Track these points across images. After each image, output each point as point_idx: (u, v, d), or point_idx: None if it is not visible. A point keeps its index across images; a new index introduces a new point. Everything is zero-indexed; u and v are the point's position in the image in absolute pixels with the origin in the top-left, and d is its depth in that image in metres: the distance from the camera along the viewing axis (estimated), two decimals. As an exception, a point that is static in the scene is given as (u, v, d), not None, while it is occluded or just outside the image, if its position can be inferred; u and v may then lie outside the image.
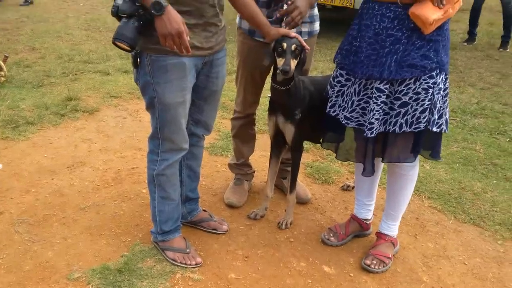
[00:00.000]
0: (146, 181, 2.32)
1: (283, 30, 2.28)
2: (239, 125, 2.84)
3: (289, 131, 2.43)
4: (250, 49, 2.58)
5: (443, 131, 2.14)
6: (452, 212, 2.87)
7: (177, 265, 2.29)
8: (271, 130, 2.53)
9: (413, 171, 2.31)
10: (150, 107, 2.10)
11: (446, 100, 2.13)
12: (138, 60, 2.01)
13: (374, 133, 2.11)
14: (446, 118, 2.15)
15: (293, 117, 2.39)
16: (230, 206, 2.82)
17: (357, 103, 2.17)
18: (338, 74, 2.27)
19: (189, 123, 2.30)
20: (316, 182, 3.15)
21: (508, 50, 6.60)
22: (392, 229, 2.46)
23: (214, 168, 3.25)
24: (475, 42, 6.85)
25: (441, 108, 2.10)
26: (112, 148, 3.44)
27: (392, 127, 2.09)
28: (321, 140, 2.49)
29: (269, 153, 2.69)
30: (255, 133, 2.94)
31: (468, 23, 6.86)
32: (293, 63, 2.21)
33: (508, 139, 3.85)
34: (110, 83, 4.66)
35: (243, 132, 2.86)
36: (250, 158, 2.99)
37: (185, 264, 2.30)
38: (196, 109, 2.30)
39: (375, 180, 2.53)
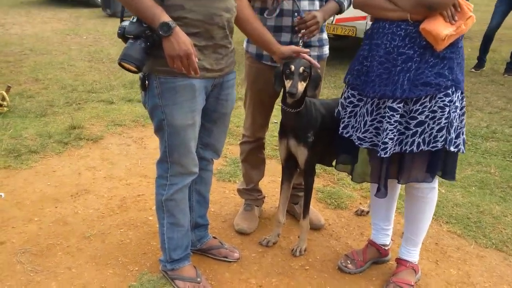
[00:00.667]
0: (154, 207, 2.22)
1: (294, 47, 2.23)
2: (248, 149, 2.75)
3: (301, 154, 2.34)
4: (258, 73, 2.52)
5: (460, 152, 2.05)
6: (472, 237, 2.75)
7: (188, 296, 2.16)
8: (283, 153, 2.44)
9: (432, 193, 2.21)
10: (158, 130, 2.03)
11: (463, 119, 2.05)
12: (147, 82, 1.94)
13: (388, 153, 2.02)
14: (463, 138, 2.07)
15: (305, 140, 2.31)
16: (241, 233, 2.70)
17: (370, 123, 2.10)
18: (350, 95, 2.20)
19: (198, 146, 2.22)
20: (328, 207, 3.04)
21: (513, 75, 6.60)
22: (413, 255, 2.34)
23: (223, 194, 3.15)
24: (483, 69, 6.84)
25: (458, 127, 2.02)
26: (117, 176, 3.34)
27: (409, 147, 2.01)
28: (334, 163, 2.40)
29: (280, 178, 2.59)
30: (264, 158, 2.85)
31: (479, 49, 6.87)
32: (301, 85, 2.15)
33: (522, 162, 3.77)
34: (114, 111, 4.60)
35: (253, 157, 2.78)
36: (259, 183, 2.89)
37: (196, 294, 2.17)
38: (205, 132, 2.22)
39: (393, 203, 2.43)
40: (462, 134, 2.05)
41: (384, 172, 2.12)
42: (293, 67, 2.13)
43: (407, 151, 2.01)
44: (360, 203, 3.10)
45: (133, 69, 1.77)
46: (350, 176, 2.35)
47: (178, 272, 2.23)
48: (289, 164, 2.48)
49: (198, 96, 1.97)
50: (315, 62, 2.23)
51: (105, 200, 2.99)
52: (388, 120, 1.99)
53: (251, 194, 2.84)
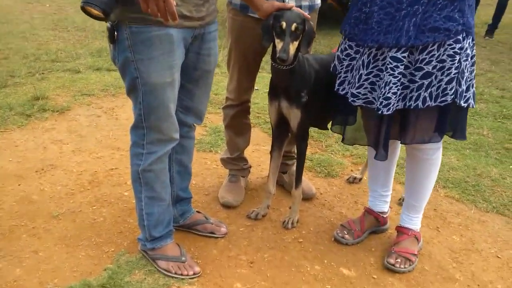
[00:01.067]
0: (130, 180, 1.96)
1: (277, 2, 1.97)
2: (232, 114, 2.50)
3: (294, 116, 2.11)
4: (242, 27, 2.25)
5: (470, 106, 1.85)
6: (472, 201, 2.60)
7: (172, 277, 1.94)
8: (273, 117, 2.20)
9: (437, 154, 2.02)
10: (132, 90, 1.75)
11: (473, 70, 1.84)
12: (116, 33, 1.66)
13: (391, 109, 1.80)
14: (474, 91, 1.86)
15: (299, 100, 2.07)
16: (226, 206, 2.48)
17: (365, 77, 1.87)
18: (347, 47, 1.96)
19: (178, 110, 1.95)
20: (318, 175, 2.83)
21: (493, 38, 6.48)
22: (415, 222, 2.16)
23: (204, 166, 2.91)
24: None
25: (468, 79, 1.81)
26: (87, 149, 3.05)
27: (414, 102, 1.79)
28: (330, 124, 2.18)
29: (264, 147, 2.37)
30: (250, 123, 2.61)
31: (492, 17, 6.79)
32: (293, 46, 1.90)
33: (515, 123, 3.64)
34: (81, 81, 4.25)
35: (237, 122, 2.53)
36: (244, 152, 2.66)
37: (181, 274, 1.95)
38: (186, 94, 1.96)
39: (392, 167, 2.24)
40: (472, 86, 1.84)
41: (384, 133, 1.91)
42: (284, 24, 1.87)
43: (412, 107, 1.80)
44: (352, 170, 2.91)
45: (98, 14, 1.47)
46: (342, 138, 2.14)
47: (159, 251, 2.00)
48: (280, 128, 2.25)
49: (176, 49, 1.70)
50: (306, 14, 1.98)
51: (74, 176, 2.71)
52: (391, 72, 1.77)
53: (236, 163, 2.61)
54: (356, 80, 1.89)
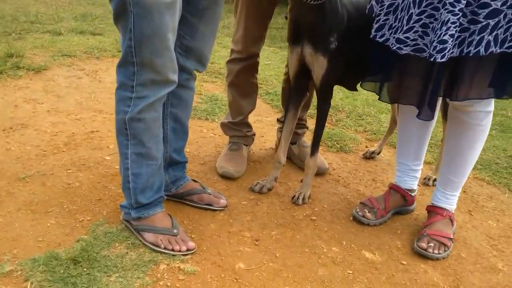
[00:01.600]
0: (112, 145, 1.58)
1: None
2: (238, 69, 2.13)
3: (319, 66, 1.75)
4: None
5: None
6: (505, 185, 2.28)
7: (161, 252, 1.57)
8: (293, 66, 1.84)
9: (487, 119, 1.68)
10: (120, 14, 1.37)
11: None
12: None
13: (446, 56, 1.46)
14: None
15: (327, 46, 1.72)
16: (226, 177, 2.11)
17: (417, 17, 1.52)
18: None
19: (177, 52, 1.59)
20: (329, 150, 2.49)
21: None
22: (452, 201, 1.83)
23: (200, 134, 2.54)
24: None
25: None
26: (64, 110, 2.65)
27: (474, 48, 1.44)
28: (361, 80, 1.82)
29: (267, 118, 2.01)
30: (257, 83, 2.25)
31: None
32: None
33: (539, 107, 3.35)
34: (62, 42, 3.84)
35: (243, 80, 2.16)
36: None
37: (172, 250, 1.58)
38: (188, 30, 1.59)
39: (427, 135, 1.90)
40: None
41: (433, 87, 1.56)
42: None
43: (471, 54, 1.46)
44: (366, 146, 2.57)
45: None
46: (378, 96, 1.79)
47: (146, 222, 1.63)
48: (299, 82, 1.89)
49: None
50: None
51: (48, 136, 2.32)
52: (451, 8, 1.42)
53: (239, 129, 2.24)
54: (405, 22, 1.54)
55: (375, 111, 3.00)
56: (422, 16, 1.51)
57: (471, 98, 1.56)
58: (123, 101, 1.50)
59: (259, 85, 3.23)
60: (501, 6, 1.40)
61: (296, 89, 1.92)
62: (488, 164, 2.43)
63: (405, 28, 1.54)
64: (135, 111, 1.48)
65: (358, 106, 3.04)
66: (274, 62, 3.95)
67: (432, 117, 1.65)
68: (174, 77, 1.49)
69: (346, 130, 2.73)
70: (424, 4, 1.50)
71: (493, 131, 2.85)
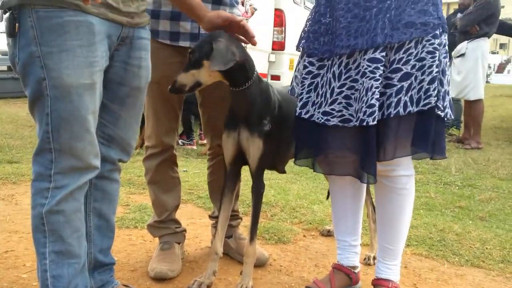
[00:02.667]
0: (28, 263, 1.44)
1: (224, 13, 1.75)
2: (156, 165, 2.08)
3: (255, 148, 1.77)
4: (153, 55, 1.87)
5: (448, 116, 1.64)
6: (442, 257, 2.29)
7: None
8: (229, 151, 1.84)
9: (411, 183, 1.74)
10: (36, 98, 1.34)
11: (448, 75, 1.67)
12: (16, 23, 1.30)
13: (376, 119, 1.54)
14: (450, 100, 1.67)
15: (261, 129, 1.76)
16: (159, 279, 1.94)
17: (338, 90, 1.62)
18: (307, 64, 1.72)
19: (98, 141, 1.53)
20: (268, 243, 2.41)
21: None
22: (394, 271, 1.79)
23: (128, 242, 2.37)
24: None
25: (447, 82, 1.63)
26: (-25, 234, 2.41)
27: (394, 109, 1.54)
28: (294, 158, 1.84)
29: (200, 220, 1.96)
30: (178, 177, 2.19)
31: None
32: (186, 77, 1.69)
33: (457, 187, 3.54)
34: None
35: (162, 175, 2.11)
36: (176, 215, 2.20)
37: None
38: (109, 118, 1.56)
39: (360, 208, 1.91)
40: (448, 94, 1.65)
41: (372, 148, 1.59)
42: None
43: (392, 115, 1.55)
44: (304, 236, 2.52)
45: None
46: (313, 168, 1.80)
47: (69, 334, 1.42)
48: (234, 167, 1.88)
49: (98, 43, 1.35)
50: (251, 31, 1.76)
51: (-46, 260, 2.06)
52: (371, 75, 1.53)
53: (167, 226, 2.12)
54: (328, 96, 1.63)
55: (308, 203, 3.01)
56: (343, 89, 1.61)
57: (398, 156, 1.62)
58: (39, 194, 1.39)
59: (190, 191, 3.20)
60: (411, 70, 1.54)
61: (232, 174, 1.90)
62: (422, 240, 2.46)
63: (329, 101, 1.63)
64: (53, 202, 1.37)
65: (291, 200, 3.06)
66: (203, 171, 3.95)
67: (376, 180, 1.66)
68: (96, 162, 1.42)
69: (282, 222, 2.69)
70: (343, 77, 1.61)
71: (421, 211, 2.94)
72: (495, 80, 24.70)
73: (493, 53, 37.40)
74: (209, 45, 1.64)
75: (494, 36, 6.32)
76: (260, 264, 2.09)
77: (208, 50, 1.64)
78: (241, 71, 1.71)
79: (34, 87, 1.33)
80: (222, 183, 2.07)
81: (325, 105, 1.64)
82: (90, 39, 1.33)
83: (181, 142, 4.99)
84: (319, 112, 1.66)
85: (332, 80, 1.64)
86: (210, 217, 2.31)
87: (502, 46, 48.34)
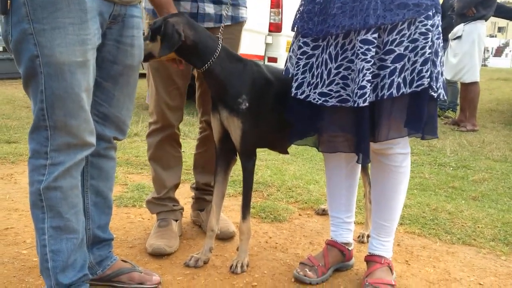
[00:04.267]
0: (28, 240, 1.47)
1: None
2: (157, 141, 2.12)
3: (234, 127, 1.80)
4: None
5: (441, 97, 1.67)
6: (434, 235, 2.34)
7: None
8: (216, 131, 1.88)
9: (407, 161, 1.77)
10: (30, 77, 1.35)
11: (442, 55, 1.68)
12: (8, 0, 1.30)
13: (367, 100, 1.56)
14: (444, 81, 1.69)
15: (237, 108, 1.78)
16: (157, 255, 1.98)
17: (335, 71, 1.64)
18: (302, 44, 1.73)
19: (93, 119, 1.55)
20: (264, 221, 2.45)
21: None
22: (387, 248, 1.83)
23: (127, 220, 2.41)
24: None
25: (441, 63, 1.64)
26: (-25, 211, 2.44)
27: (387, 91, 1.56)
28: (290, 138, 1.86)
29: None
30: (181, 156, 2.23)
31: None
32: (150, 44, 1.73)
33: (452, 168, 3.58)
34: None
35: (164, 153, 2.14)
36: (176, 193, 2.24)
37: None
38: (103, 96, 1.58)
39: (354, 186, 1.94)
40: (442, 75, 1.67)
41: (366, 129, 1.61)
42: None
43: (385, 97, 1.57)
44: (300, 215, 2.56)
45: None
46: (318, 147, 1.83)
47: (69, 307, 1.45)
48: (224, 146, 1.90)
49: (90, 22, 1.36)
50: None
51: (-46, 237, 2.09)
52: (363, 56, 1.54)
53: (165, 204, 2.16)
54: (325, 77, 1.65)
55: (304, 183, 3.05)
56: (341, 69, 1.63)
57: (392, 138, 1.65)
58: (36, 170, 1.41)
59: (187, 171, 3.22)
60: (404, 51, 1.55)
61: (222, 152, 1.92)
62: (415, 219, 2.50)
63: (326, 82, 1.65)
64: (51, 178, 1.39)
65: (287, 180, 3.09)
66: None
67: (369, 160, 1.69)
68: (91, 138, 1.44)
69: (278, 202, 2.72)
70: (339, 58, 1.63)
71: (415, 191, 2.98)
72: (493, 63, 24.68)
73: (491, 36, 37.28)
74: (161, 23, 1.70)
75: (493, 19, 6.29)
76: (223, 237, 2.16)
77: (159, 27, 1.69)
78: (194, 53, 1.75)
79: (27, 65, 1.34)
80: (207, 157, 2.18)
81: (322, 86, 1.65)
82: (82, 17, 1.34)
83: None
84: (315, 93, 1.68)
85: (328, 61, 1.65)
86: (191, 188, 2.36)
87: (500, 29, 48.15)
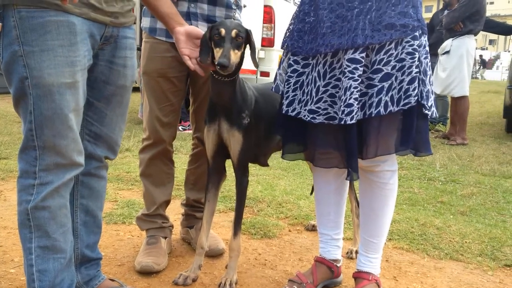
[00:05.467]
0: (17, 259, 1.48)
1: (194, 29, 1.76)
2: (148, 157, 2.13)
3: (236, 141, 1.82)
4: (151, 49, 2.04)
5: (433, 115, 1.70)
6: (422, 250, 2.35)
7: None
8: (211, 145, 1.88)
9: (394, 178, 1.80)
10: (20, 98, 1.37)
11: (431, 75, 1.72)
12: (0, 23, 1.33)
13: (354, 118, 1.59)
14: (434, 99, 1.73)
15: (240, 122, 1.81)
16: (146, 273, 1.98)
17: (323, 89, 1.67)
18: (292, 62, 1.76)
19: (85, 139, 1.58)
20: (253, 237, 2.45)
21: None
22: (375, 264, 1.85)
23: (116, 237, 2.41)
24: None
25: (430, 81, 1.68)
26: (-37, 229, 2.43)
27: (375, 109, 1.59)
28: (282, 153, 1.89)
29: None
30: (172, 173, 2.24)
31: None
32: (234, 53, 1.69)
33: (441, 183, 3.61)
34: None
35: (155, 169, 2.15)
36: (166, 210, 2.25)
37: None
38: (95, 116, 1.60)
39: (342, 203, 1.96)
40: (433, 93, 1.70)
41: (353, 147, 1.64)
42: (223, 31, 1.68)
43: (373, 115, 1.59)
44: (290, 231, 2.57)
45: None
46: (313, 161, 1.85)
47: (56, 329, 1.45)
48: (217, 160, 1.92)
49: (80, 44, 1.38)
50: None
51: None
52: (350, 75, 1.57)
53: (155, 220, 2.17)
54: (314, 94, 1.68)
55: (294, 198, 3.07)
56: (328, 87, 1.66)
57: (380, 155, 1.67)
58: (25, 190, 1.42)
59: (178, 187, 3.23)
60: (391, 70, 1.59)
61: (214, 167, 1.94)
62: (404, 234, 2.52)
63: (315, 99, 1.68)
64: (39, 198, 1.41)
65: (278, 196, 3.10)
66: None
67: (358, 177, 1.72)
68: (79, 159, 1.46)
69: (268, 218, 2.73)
70: (328, 76, 1.66)
71: (404, 206, 3.00)
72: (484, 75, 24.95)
73: (482, 49, 37.72)
74: (246, 33, 1.75)
75: (484, 32, 6.39)
76: (212, 254, 2.17)
77: (247, 37, 1.75)
78: (239, 67, 1.77)
79: (17, 86, 1.36)
80: (198, 173, 2.20)
81: (311, 103, 1.68)
82: (71, 39, 1.36)
83: (181, 128, 5.28)
84: (305, 110, 1.71)
85: (317, 79, 1.68)
86: (181, 204, 2.37)
87: (491, 42, 48.79)
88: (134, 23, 1.66)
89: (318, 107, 1.67)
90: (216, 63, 1.65)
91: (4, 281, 1.89)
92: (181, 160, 3.93)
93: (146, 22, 2.03)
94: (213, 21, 1.99)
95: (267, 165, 2.04)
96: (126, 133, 4.82)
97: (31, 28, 1.31)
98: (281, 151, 1.88)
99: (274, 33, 6.41)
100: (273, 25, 6.41)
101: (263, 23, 6.40)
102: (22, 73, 1.33)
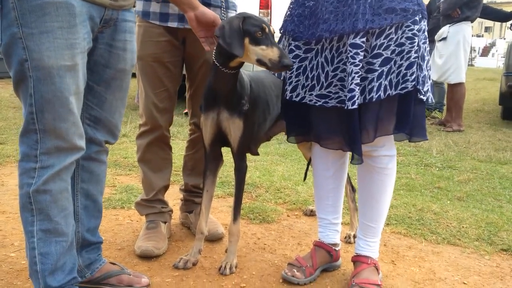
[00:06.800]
0: (16, 243, 1.48)
1: (203, 13, 1.73)
2: (146, 143, 2.13)
3: (236, 128, 1.82)
4: (145, 33, 2.02)
5: (429, 101, 1.70)
6: (420, 235, 2.38)
7: None
8: (209, 132, 1.87)
9: (392, 163, 1.81)
10: (20, 81, 1.36)
11: (429, 59, 1.72)
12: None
13: (356, 103, 1.59)
14: (431, 84, 1.73)
15: (240, 109, 1.81)
16: (145, 257, 1.99)
17: (333, 73, 1.67)
18: (294, 47, 1.75)
19: (85, 123, 1.58)
20: (252, 222, 2.47)
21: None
22: (373, 248, 1.86)
23: (115, 222, 2.41)
24: None
25: (427, 67, 1.68)
26: (-39, 213, 2.43)
27: (376, 94, 1.59)
28: (287, 136, 1.91)
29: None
30: (170, 158, 2.23)
31: None
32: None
33: (437, 169, 3.63)
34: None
35: (153, 155, 2.15)
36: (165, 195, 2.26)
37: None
38: (95, 100, 1.59)
39: (341, 187, 1.97)
40: (429, 78, 1.70)
41: (357, 129, 1.65)
42: (266, 29, 1.67)
43: (374, 99, 1.60)
44: (288, 216, 2.59)
45: None
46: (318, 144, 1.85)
47: (58, 310, 1.46)
48: (214, 148, 1.92)
49: (79, 26, 1.37)
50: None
51: None
52: (352, 60, 1.58)
53: (153, 205, 2.17)
54: (323, 79, 1.68)
55: (292, 184, 3.08)
56: (337, 72, 1.67)
57: (380, 135, 1.68)
58: (26, 173, 1.42)
59: (176, 172, 3.22)
60: (391, 55, 1.59)
61: (212, 154, 1.94)
62: (402, 219, 2.54)
63: (325, 84, 1.68)
64: (40, 182, 1.40)
65: (276, 181, 3.11)
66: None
67: (362, 161, 1.72)
68: (81, 142, 1.45)
69: (266, 203, 2.75)
70: (336, 61, 1.66)
71: (401, 191, 3.02)
72: (480, 63, 24.95)
73: (478, 36, 37.65)
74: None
75: (480, 19, 6.37)
76: (212, 238, 2.18)
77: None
78: None
79: (17, 68, 1.35)
80: (196, 159, 2.20)
81: (320, 88, 1.68)
82: (71, 21, 1.34)
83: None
84: (311, 95, 1.71)
85: (325, 64, 1.68)
86: (180, 190, 2.38)
87: (487, 29, 48.68)
88: (134, 6, 1.64)
89: (330, 92, 1.68)
90: (280, 64, 1.61)
91: (5, 265, 1.89)
92: (179, 146, 3.92)
93: (139, 5, 2.01)
94: (210, 4, 1.97)
95: (257, 153, 2.04)
96: (123, 119, 4.80)
97: (30, 10, 1.30)
98: (277, 138, 1.90)
99: (270, 19, 6.37)
100: (269, 10, 6.36)
101: (260, 8, 6.34)
102: (22, 56, 1.32)
